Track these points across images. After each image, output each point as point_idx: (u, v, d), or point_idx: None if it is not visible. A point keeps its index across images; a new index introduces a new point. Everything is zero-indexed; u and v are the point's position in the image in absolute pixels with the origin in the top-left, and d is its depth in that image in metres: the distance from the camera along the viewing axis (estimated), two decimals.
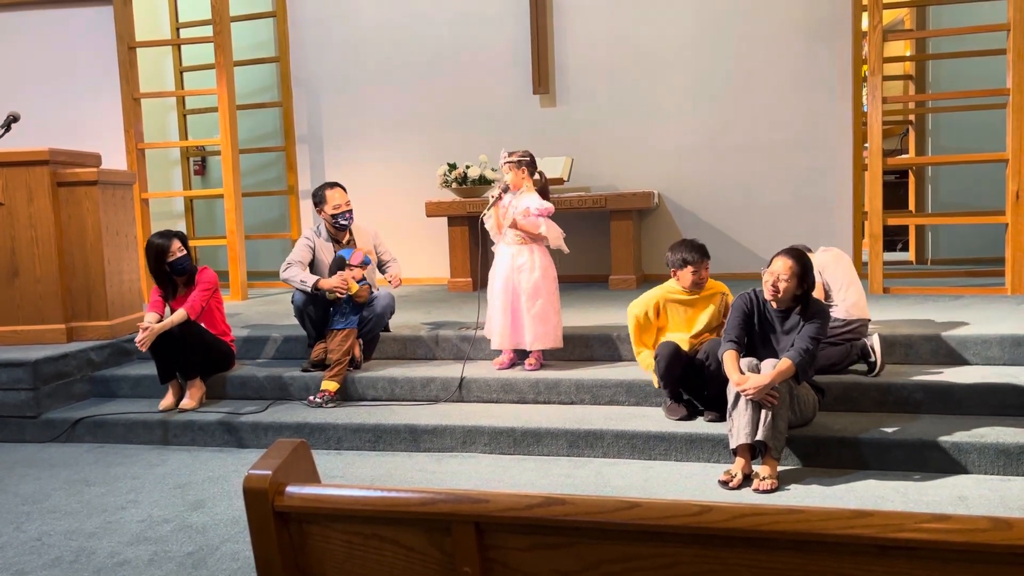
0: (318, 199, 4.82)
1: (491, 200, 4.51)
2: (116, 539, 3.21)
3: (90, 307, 5.14)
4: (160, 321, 4.52)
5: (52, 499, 3.68)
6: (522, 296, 4.44)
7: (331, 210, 4.76)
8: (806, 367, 3.57)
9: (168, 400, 4.57)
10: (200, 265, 4.93)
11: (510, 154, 4.54)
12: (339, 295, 4.63)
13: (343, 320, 4.64)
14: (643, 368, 4.06)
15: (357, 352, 4.70)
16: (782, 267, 3.55)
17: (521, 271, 4.47)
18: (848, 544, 1.06)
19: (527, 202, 4.47)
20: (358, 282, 4.68)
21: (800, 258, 3.58)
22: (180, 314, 4.53)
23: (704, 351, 3.86)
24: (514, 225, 4.45)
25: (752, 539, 1.10)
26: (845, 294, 4.11)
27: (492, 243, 4.68)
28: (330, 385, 4.47)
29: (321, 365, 4.65)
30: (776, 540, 1.09)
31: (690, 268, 3.96)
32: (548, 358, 4.61)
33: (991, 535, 1.02)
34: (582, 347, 4.65)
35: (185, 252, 4.68)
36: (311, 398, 4.46)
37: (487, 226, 4.62)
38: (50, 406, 4.70)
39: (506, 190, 4.51)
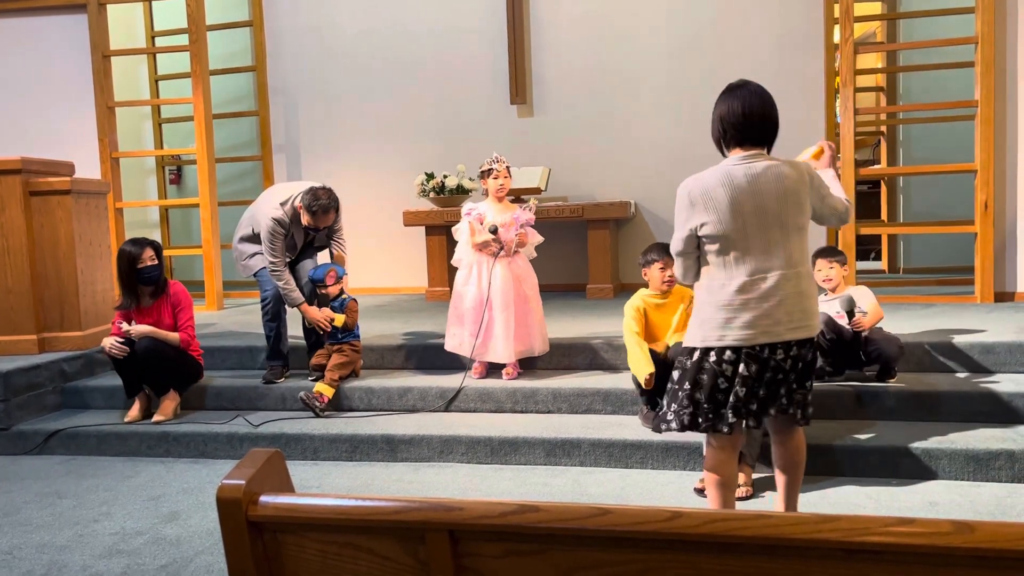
0: (310, 210, 4.47)
1: (489, 234, 4.46)
2: (88, 552, 3.17)
3: (62, 317, 5.09)
4: (124, 342, 4.43)
5: (23, 512, 3.63)
6: (531, 302, 4.53)
7: (306, 221, 4.57)
8: None
9: (133, 412, 4.52)
10: (172, 278, 4.84)
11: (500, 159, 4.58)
12: (321, 328, 4.59)
13: (350, 333, 4.62)
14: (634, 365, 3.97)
15: (359, 367, 4.71)
16: None
17: (522, 280, 4.54)
18: (816, 548, 1.08)
19: (518, 214, 4.54)
20: (337, 300, 4.60)
21: None
22: (174, 337, 4.52)
23: (673, 353, 3.88)
24: (522, 243, 4.52)
25: (722, 544, 1.12)
26: None
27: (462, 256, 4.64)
28: (327, 390, 4.42)
29: (322, 369, 4.59)
30: (746, 545, 1.11)
31: (658, 264, 3.98)
32: (525, 367, 4.63)
33: (954, 538, 1.04)
34: (559, 356, 4.66)
35: (156, 262, 4.53)
36: (305, 395, 4.38)
37: (478, 243, 4.51)
38: (21, 418, 4.64)
39: (494, 230, 4.45)
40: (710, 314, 2.65)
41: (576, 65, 7.00)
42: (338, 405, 4.51)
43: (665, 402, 2.80)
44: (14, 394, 4.61)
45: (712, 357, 2.66)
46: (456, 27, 7.17)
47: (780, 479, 2.94)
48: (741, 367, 2.63)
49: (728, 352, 2.63)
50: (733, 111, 2.65)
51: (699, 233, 2.64)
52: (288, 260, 4.72)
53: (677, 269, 2.79)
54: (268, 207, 4.63)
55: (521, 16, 7.03)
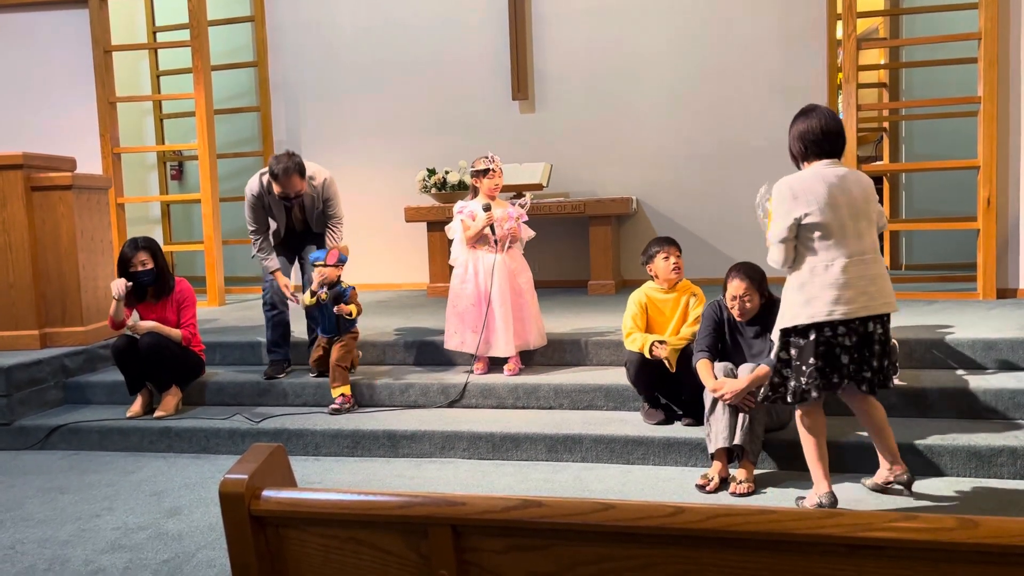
0: (272, 175, 4.46)
1: (486, 221, 4.44)
2: (91, 547, 3.17)
3: (64, 313, 5.09)
4: (129, 336, 4.46)
5: (25, 507, 3.64)
6: (525, 296, 4.52)
7: (276, 190, 4.49)
8: None
9: (135, 408, 4.53)
10: (177, 275, 4.83)
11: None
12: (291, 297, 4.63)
13: (352, 322, 4.52)
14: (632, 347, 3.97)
15: (357, 358, 4.65)
16: (739, 288, 3.58)
17: (518, 274, 4.54)
18: (818, 544, 1.08)
19: (511, 210, 4.52)
20: (337, 288, 4.48)
21: (750, 272, 3.61)
22: (176, 333, 4.53)
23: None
24: (515, 237, 4.52)
25: (725, 539, 1.11)
26: None
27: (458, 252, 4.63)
28: (346, 388, 4.41)
29: (322, 365, 4.58)
30: (748, 540, 1.10)
31: (661, 255, 3.98)
32: (526, 363, 4.63)
33: (958, 534, 1.04)
34: (561, 352, 4.66)
35: (151, 267, 4.47)
36: (332, 408, 4.37)
37: (472, 237, 4.49)
38: (23, 413, 4.64)
39: (487, 207, 4.48)
40: (816, 292, 2.99)
41: (578, 61, 6.99)
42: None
43: (788, 379, 3.09)
44: (16, 389, 4.62)
45: (827, 331, 3.00)
46: (458, 22, 7.16)
47: (875, 440, 3.26)
48: (845, 339, 3.01)
49: (839, 326, 3.00)
50: (813, 129, 3.06)
51: (803, 222, 3.00)
52: (281, 235, 4.74)
53: (777, 255, 3.06)
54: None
55: (523, 12, 7.02)
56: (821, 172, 3.04)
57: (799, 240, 3.03)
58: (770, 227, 3.10)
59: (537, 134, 7.04)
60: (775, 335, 3.16)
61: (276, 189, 4.51)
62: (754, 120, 6.72)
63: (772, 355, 3.18)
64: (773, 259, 3.09)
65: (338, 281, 4.51)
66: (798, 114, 3.16)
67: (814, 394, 3.04)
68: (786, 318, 3.06)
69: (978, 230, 5.62)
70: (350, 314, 4.46)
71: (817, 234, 3.00)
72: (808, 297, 3.00)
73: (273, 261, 4.68)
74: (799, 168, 3.17)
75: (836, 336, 3.01)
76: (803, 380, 3.04)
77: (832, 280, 2.97)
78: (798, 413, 3.18)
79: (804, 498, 3.24)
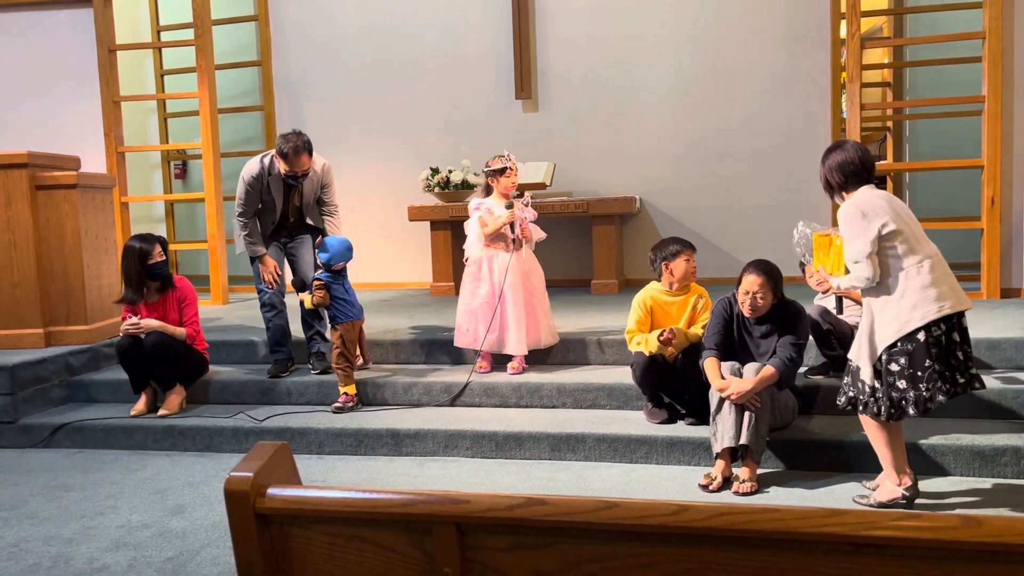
0: (281, 153, 4.52)
1: (508, 217, 4.45)
2: (95, 545, 3.18)
3: (69, 312, 5.10)
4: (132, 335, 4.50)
5: (29, 505, 3.65)
6: (537, 295, 4.55)
7: (283, 169, 4.55)
8: (790, 375, 3.61)
9: (139, 406, 4.54)
10: (177, 274, 4.85)
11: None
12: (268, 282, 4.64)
13: (339, 316, 4.39)
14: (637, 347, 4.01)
15: (364, 347, 4.62)
16: (754, 284, 3.58)
17: (531, 273, 4.56)
18: (822, 542, 1.08)
19: (519, 210, 4.52)
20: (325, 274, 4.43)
21: (768, 270, 3.61)
22: (180, 331, 4.56)
23: (681, 359, 3.88)
24: (526, 238, 4.52)
25: (728, 538, 1.12)
26: None
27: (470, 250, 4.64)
28: (351, 388, 4.42)
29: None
30: (752, 539, 1.11)
31: (683, 256, 3.98)
32: (530, 361, 4.63)
33: (961, 532, 1.04)
34: (564, 351, 4.66)
35: (164, 258, 4.59)
36: (335, 407, 4.38)
37: (490, 234, 4.48)
38: (28, 411, 4.65)
39: (509, 206, 4.49)
40: (920, 295, 3.05)
41: (581, 60, 6.99)
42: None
43: (903, 390, 3.05)
44: (21, 388, 4.63)
45: (935, 330, 3.05)
46: (461, 21, 7.16)
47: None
48: (944, 336, 3.06)
49: (942, 323, 3.05)
50: (852, 161, 3.22)
51: (883, 232, 3.09)
52: (275, 220, 4.74)
53: (867, 270, 3.08)
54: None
55: (526, 10, 7.02)
56: (873, 192, 3.19)
57: (880, 254, 3.09)
58: (847, 250, 3.14)
59: (540, 133, 7.04)
60: (861, 360, 3.12)
61: (283, 169, 4.56)
62: (757, 119, 6.71)
63: (879, 368, 3.10)
64: (863, 276, 3.09)
65: (327, 273, 4.43)
66: (831, 148, 3.32)
67: (940, 398, 3.01)
68: (893, 329, 3.05)
69: (982, 230, 5.61)
70: (302, 303, 4.48)
71: (898, 240, 3.09)
72: (913, 302, 3.04)
73: (261, 247, 4.70)
74: (834, 199, 3.32)
75: (943, 334, 3.05)
76: (924, 386, 3.02)
77: (929, 279, 3.05)
78: (889, 427, 3.13)
79: (866, 497, 3.26)
